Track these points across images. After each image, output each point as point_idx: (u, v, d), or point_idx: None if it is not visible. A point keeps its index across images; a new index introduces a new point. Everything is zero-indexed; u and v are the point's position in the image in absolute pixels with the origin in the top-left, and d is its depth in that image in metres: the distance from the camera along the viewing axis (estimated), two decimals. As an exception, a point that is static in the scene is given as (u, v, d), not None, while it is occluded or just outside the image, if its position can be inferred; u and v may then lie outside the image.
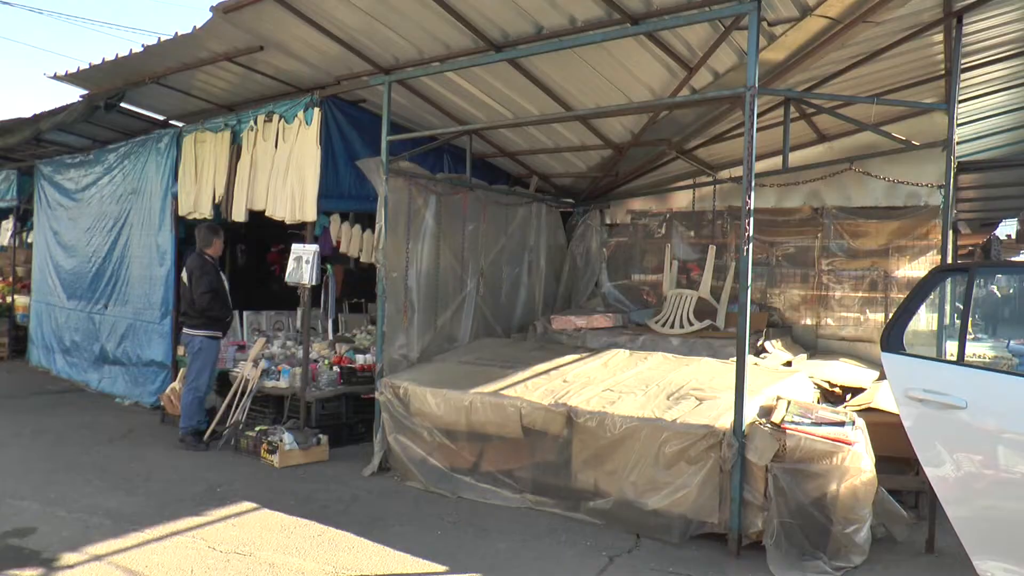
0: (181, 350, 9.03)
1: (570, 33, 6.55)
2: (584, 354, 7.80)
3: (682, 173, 9.73)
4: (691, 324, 8.61)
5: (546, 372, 7.17)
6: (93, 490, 6.82)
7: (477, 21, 6.66)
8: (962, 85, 7.18)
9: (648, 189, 10.20)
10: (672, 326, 8.69)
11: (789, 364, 7.77)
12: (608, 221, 10.64)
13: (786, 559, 5.16)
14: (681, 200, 10.02)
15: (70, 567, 5.15)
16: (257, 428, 8.15)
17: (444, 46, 7.18)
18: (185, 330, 8.58)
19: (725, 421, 5.60)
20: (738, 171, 8.88)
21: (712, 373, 6.86)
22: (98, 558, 5.30)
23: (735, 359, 5.66)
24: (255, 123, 8.81)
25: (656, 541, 5.70)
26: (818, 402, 6.77)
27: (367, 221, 8.83)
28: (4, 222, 16.17)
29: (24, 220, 15.41)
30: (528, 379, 6.99)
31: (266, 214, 8.63)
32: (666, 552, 5.55)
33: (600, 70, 7.22)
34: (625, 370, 7.14)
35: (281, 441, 7.66)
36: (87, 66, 8.86)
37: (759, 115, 5.90)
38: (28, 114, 11.12)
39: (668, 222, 10.03)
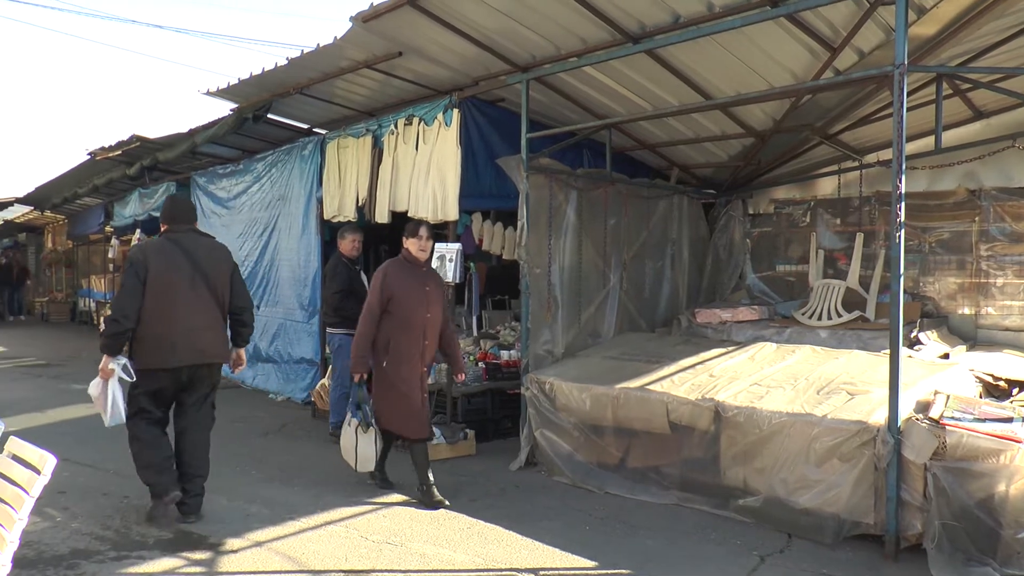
0: (328, 348, 9.34)
1: (708, 20, 6.42)
2: (730, 348, 7.66)
3: (826, 159, 9.40)
4: (839, 315, 8.32)
5: (692, 367, 7.08)
6: (251, 480, 7.18)
7: (613, 13, 6.63)
8: None
9: (791, 177, 9.91)
10: (819, 318, 8.43)
11: (947, 356, 7.41)
12: (751, 211, 10.39)
13: (950, 563, 4.90)
14: (826, 187, 9.69)
15: (234, 552, 5.44)
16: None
17: (581, 41, 7.17)
18: (328, 329, 8.90)
19: (879, 417, 5.40)
20: (886, 154, 8.52)
21: (863, 366, 6.62)
22: (259, 544, 5.57)
23: (887, 351, 5.45)
24: (395, 127, 9.02)
25: (808, 541, 5.55)
26: (980, 397, 6.44)
27: (508, 219, 8.92)
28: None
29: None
30: (674, 374, 6.92)
31: (408, 215, 8.82)
32: (819, 553, 5.39)
33: (739, 56, 7.06)
34: (772, 364, 6.98)
35: (429, 436, 7.79)
36: (236, 81, 9.31)
37: (908, 94, 5.63)
38: (184, 129, 11.75)
39: (813, 210, 9.72)
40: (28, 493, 3.22)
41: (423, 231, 6.66)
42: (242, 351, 6.43)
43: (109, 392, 5.72)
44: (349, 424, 6.74)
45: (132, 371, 5.76)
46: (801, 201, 9.86)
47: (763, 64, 7.19)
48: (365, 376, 6.57)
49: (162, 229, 6.18)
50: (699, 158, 9.80)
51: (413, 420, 6.53)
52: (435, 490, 6.44)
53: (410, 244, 6.66)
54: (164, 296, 5.75)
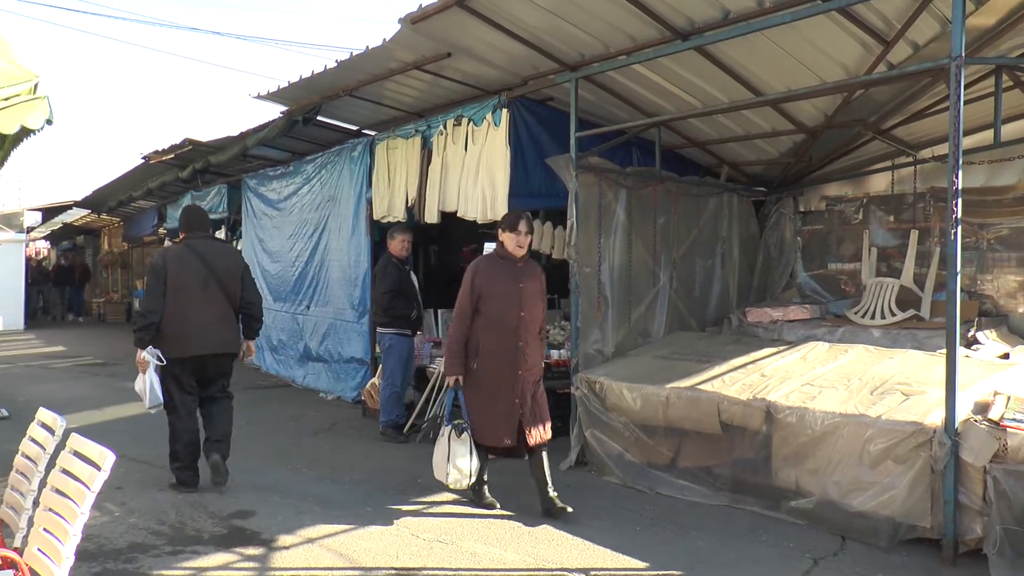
0: (378, 347, 9.40)
1: (757, 15, 6.34)
2: (781, 347, 7.56)
3: (879, 155, 9.23)
4: (893, 314, 8.18)
5: (743, 366, 7.01)
6: (303, 478, 7.26)
7: (662, 10, 6.58)
8: None
9: (843, 173, 9.75)
10: (873, 317, 8.29)
11: (1006, 356, 7.24)
12: (802, 208, 10.23)
13: (1012, 570, 4.76)
14: (879, 183, 9.51)
15: (286, 548, 5.51)
16: (455, 422, 8.35)
17: (629, 38, 7.13)
18: (377, 329, 8.97)
19: (935, 418, 5.29)
20: (942, 149, 8.34)
21: (919, 366, 6.50)
22: (311, 541, 5.64)
23: (943, 351, 5.34)
24: (444, 127, 9.04)
25: (862, 544, 5.45)
26: (1043, 397, 6.28)
27: (558, 218, 8.91)
28: (217, 232, 17.42)
29: (234, 230, 16.57)
30: (725, 373, 6.85)
31: (458, 215, 8.85)
32: (874, 556, 5.30)
33: (789, 51, 6.97)
34: (825, 363, 6.88)
35: (479, 436, 7.80)
36: (286, 84, 9.40)
37: (966, 87, 5.52)
38: (235, 133, 11.91)
39: (865, 207, 9.55)
40: (89, 488, 3.30)
41: (522, 225, 6.18)
42: (251, 343, 7.18)
43: (147, 380, 6.52)
44: (443, 434, 6.23)
45: (162, 357, 6.59)
46: (853, 198, 9.70)
47: (814, 59, 7.09)
48: (461, 380, 6.19)
49: (180, 236, 7.08)
50: (749, 155, 9.70)
51: (499, 425, 6.14)
52: (487, 490, 6.39)
53: (506, 238, 6.21)
54: (181, 296, 6.60)
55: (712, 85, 7.79)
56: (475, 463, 6.12)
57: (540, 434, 6.21)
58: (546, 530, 5.83)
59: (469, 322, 6.13)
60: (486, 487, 6.41)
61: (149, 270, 6.81)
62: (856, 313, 8.48)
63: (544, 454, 6.21)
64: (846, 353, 7.10)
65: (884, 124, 8.35)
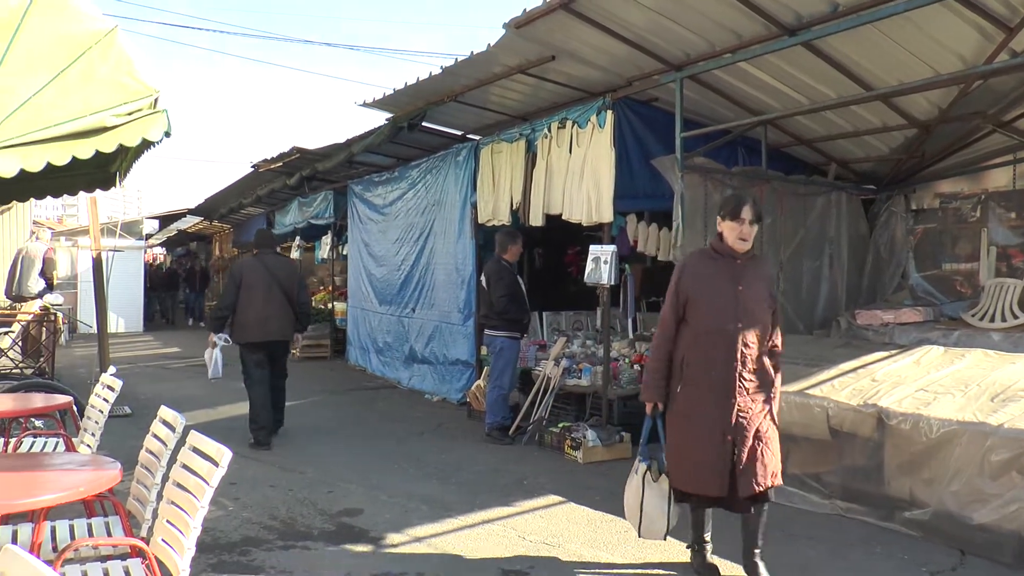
0: (484, 350, 9.46)
1: (868, 7, 6.10)
2: (893, 351, 7.32)
3: (999, 148, 8.84)
4: (1015, 317, 7.84)
5: (853, 370, 6.80)
6: (409, 478, 7.36)
7: (769, 6, 6.45)
8: None
9: (958, 169, 9.38)
10: (992, 320, 7.96)
11: None
12: (914, 207, 9.89)
13: None
14: (998, 178, 9.12)
15: (394, 546, 5.60)
16: (560, 425, 8.39)
17: (735, 36, 7.02)
18: (486, 331, 9.03)
19: (1065, 427, 5.05)
20: (1071, 141, 7.98)
21: (1045, 371, 6.21)
22: (418, 540, 5.72)
23: (1074, 356, 5.09)
24: (549, 130, 9.06)
25: (984, 560, 5.21)
26: None
27: (663, 219, 8.81)
28: (324, 237, 17.94)
29: (340, 235, 16.95)
30: (834, 378, 6.67)
31: (563, 217, 8.85)
32: (997, 572, 5.07)
33: (901, 42, 6.74)
34: (940, 368, 6.63)
35: (584, 438, 7.84)
36: (391, 91, 9.55)
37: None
38: (341, 140, 12.17)
39: (983, 204, 9.18)
40: (208, 483, 3.46)
41: (746, 212, 4.73)
42: (298, 335, 9.41)
43: (214, 355, 8.93)
44: (636, 471, 5.10)
45: (230, 340, 8.70)
46: (970, 195, 9.34)
47: (928, 50, 6.84)
48: (660, 406, 4.97)
49: (253, 252, 9.10)
50: (858, 152, 9.45)
51: (705, 471, 4.72)
52: (709, 549, 5.02)
53: (725, 228, 4.81)
54: (250, 296, 8.53)
55: (820, 81, 7.61)
56: (674, 510, 4.98)
57: (759, 482, 4.67)
58: (651, 536, 5.77)
59: (673, 334, 4.88)
60: (708, 546, 5.04)
61: (228, 275, 8.86)
62: (973, 316, 8.16)
63: (765, 507, 4.82)
64: (963, 357, 6.83)
65: (1005, 116, 8.03)
